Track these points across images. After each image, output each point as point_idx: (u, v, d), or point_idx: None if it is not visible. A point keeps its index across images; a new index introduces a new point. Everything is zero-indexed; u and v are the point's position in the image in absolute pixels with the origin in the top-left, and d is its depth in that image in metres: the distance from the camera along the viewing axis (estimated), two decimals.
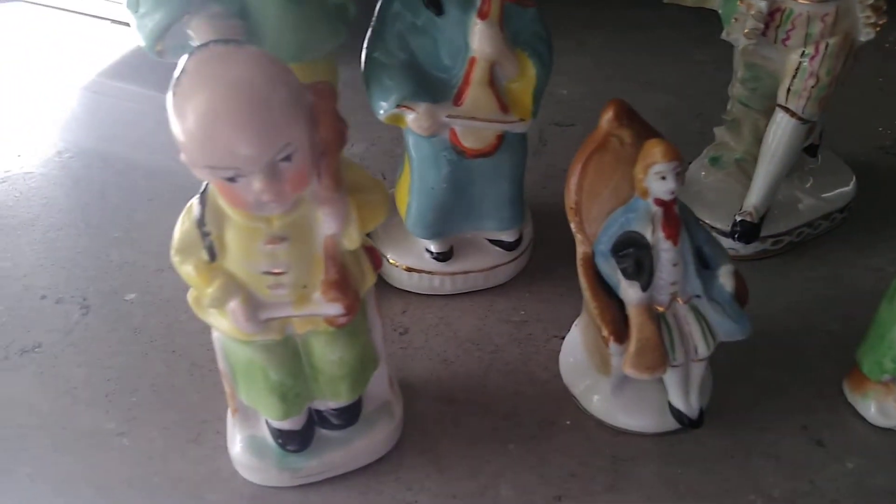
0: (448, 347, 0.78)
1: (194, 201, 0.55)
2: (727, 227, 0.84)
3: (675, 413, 0.69)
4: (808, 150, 0.87)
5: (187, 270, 0.56)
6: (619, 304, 0.65)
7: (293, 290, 0.56)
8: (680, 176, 0.61)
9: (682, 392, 0.68)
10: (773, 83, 0.79)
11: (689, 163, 0.94)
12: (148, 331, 0.79)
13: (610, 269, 0.65)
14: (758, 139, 0.83)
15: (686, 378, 0.67)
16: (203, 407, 0.72)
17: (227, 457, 0.67)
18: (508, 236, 0.81)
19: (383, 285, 0.81)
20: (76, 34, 1.25)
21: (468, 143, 0.73)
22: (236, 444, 0.66)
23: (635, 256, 0.63)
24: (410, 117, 0.71)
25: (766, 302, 0.80)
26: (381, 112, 0.71)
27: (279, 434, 0.64)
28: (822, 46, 0.73)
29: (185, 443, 0.69)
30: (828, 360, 0.76)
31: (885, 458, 0.69)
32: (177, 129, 0.48)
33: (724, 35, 0.76)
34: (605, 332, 0.64)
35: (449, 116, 0.71)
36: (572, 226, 0.67)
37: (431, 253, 0.80)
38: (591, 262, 0.67)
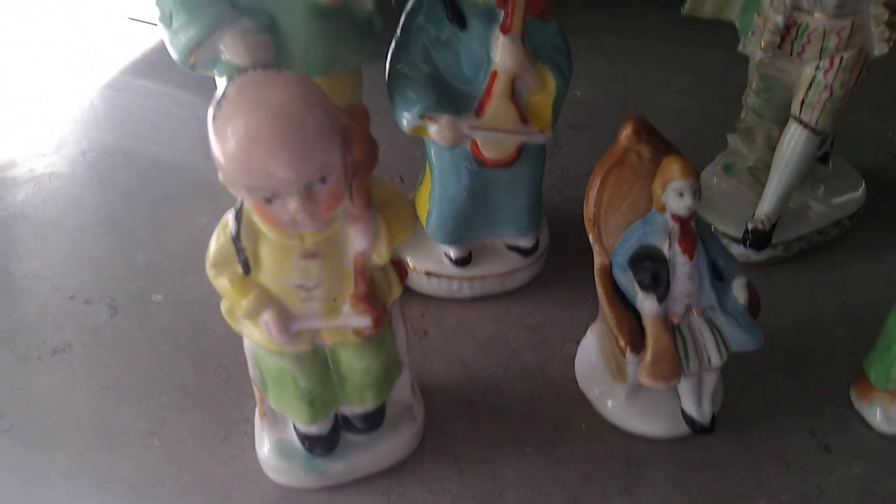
0: (466, 350, 0.80)
1: (230, 217, 0.57)
2: (739, 234, 0.85)
3: (688, 419, 0.71)
4: (819, 157, 0.88)
5: (222, 283, 0.58)
6: (636, 315, 0.67)
7: (324, 303, 0.58)
8: (697, 193, 0.62)
9: (694, 399, 0.70)
10: (786, 94, 0.81)
11: (703, 168, 0.96)
12: (175, 332, 0.81)
13: (627, 281, 0.67)
14: (771, 147, 0.85)
15: (699, 386, 0.70)
16: (230, 407, 0.74)
17: (254, 458, 0.69)
18: (525, 242, 0.83)
19: (403, 289, 0.83)
20: (95, 31, 1.27)
21: (489, 153, 0.75)
22: (264, 447, 0.68)
23: (652, 269, 0.65)
24: (433, 129, 0.72)
25: (777, 307, 0.82)
26: (405, 123, 0.73)
27: (306, 438, 0.66)
28: (836, 60, 0.75)
29: (214, 443, 0.72)
30: (835, 365, 0.78)
31: (890, 463, 0.71)
32: (217, 151, 0.50)
33: (740, 48, 0.78)
34: (622, 343, 0.66)
35: (471, 128, 0.73)
36: (590, 237, 0.69)
37: (450, 258, 0.82)
38: (608, 272, 0.69)
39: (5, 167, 1.00)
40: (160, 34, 0.67)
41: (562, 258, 0.88)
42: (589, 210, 0.69)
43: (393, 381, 0.66)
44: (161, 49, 1.21)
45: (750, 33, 0.76)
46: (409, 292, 0.84)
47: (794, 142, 0.80)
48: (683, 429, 0.72)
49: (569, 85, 0.75)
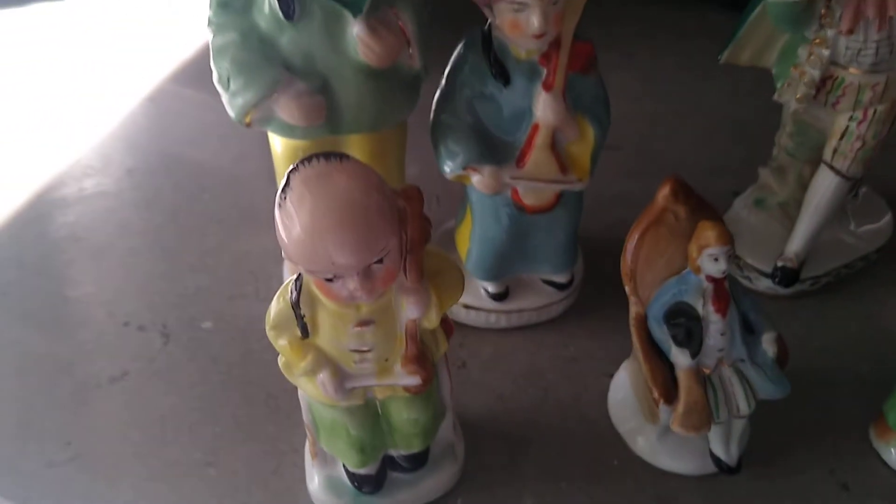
0: (503, 383, 0.84)
1: (291, 285, 0.60)
2: (768, 269, 0.88)
3: (716, 460, 0.74)
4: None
5: (282, 344, 0.62)
6: (669, 366, 0.71)
7: (376, 364, 0.62)
8: (731, 257, 0.65)
9: (723, 442, 0.74)
10: (819, 136, 0.83)
11: (735, 193, 0.99)
12: (225, 360, 0.85)
13: (662, 334, 0.70)
14: (802, 186, 0.87)
15: (728, 431, 0.73)
16: (280, 438, 0.79)
17: (305, 491, 0.74)
18: (561, 278, 0.86)
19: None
20: (132, 38, 1.29)
21: (529, 200, 0.78)
22: (314, 482, 0.73)
23: (686, 326, 0.68)
24: (475, 178, 0.75)
25: (802, 342, 0.85)
26: (448, 171, 0.76)
27: (355, 477, 0.71)
28: (870, 112, 0.77)
29: (267, 474, 0.76)
30: (857, 402, 0.81)
31: None
32: (282, 237, 0.54)
33: (775, 97, 0.80)
34: (656, 394, 0.69)
35: (512, 178, 0.76)
36: (627, 289, 0.73)
37: (489, 292, 0.85)
38: (643, 322, 0.72)
39: (54, 187, 1.03)
40: (219, 93, 0.70)
41: (596, 285, 0.91)
42: (626, 265, 0.72)
43: (438, 427, 0.70)
44: (199, 55, 1.25)
45: (786, 84, 0.78)
46: None
47: (824, 186, 0.82)
48: (711, 467, 0.75)
49: (607, 134, 0.77)
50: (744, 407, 0.70)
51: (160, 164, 1.07)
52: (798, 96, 0.77)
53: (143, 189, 1.03)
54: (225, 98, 0.69)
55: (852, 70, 0.75)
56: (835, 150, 0.80)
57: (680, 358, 0.69)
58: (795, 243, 0.86)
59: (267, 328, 0.62)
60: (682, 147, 1.10)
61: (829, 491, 0.76)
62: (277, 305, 0.61)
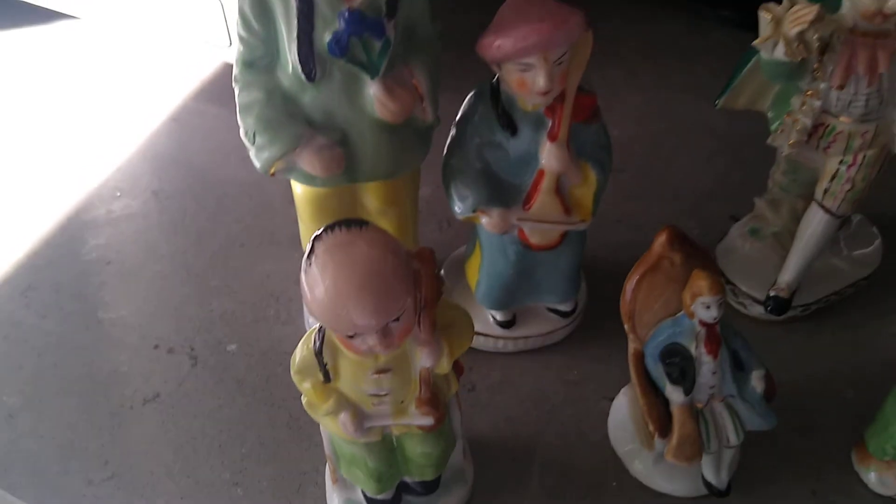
0: (510, 405, 0.89)
1: (314, 334, 0.65)
2: (761, 296, 0.93)
3: (707, 485, 0.80)
4: None
5: (306, 387, 0.67)
6: (664, 400, 0.76)
7: (393, 406, 0.67)
8: (722, 305, 0.70)
9: (714, 468, 0.79)
10: (811, 175, 0.87)
11: (732, 217, 1.03)
12: (250, 383, 0.91)
13: (657, 371, 0.75)
14: (795, 218, 0.91)
15: (719, 458, 0.79)
16: (302, 459, 0.84)
17: None
18: (565, 306, 0.91)
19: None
20: (153, 56, 1.34)
21: (534, 239, 0.83)
22: (335, 503, 0.79)
23: (680, 366, 0.73)
24: (484, 220, 0.80)
25: (791, 366, 0.90)
26: (458, 213, 0.81)
27: (372, 501, 0.76)
28: (860, 157, 0.81)
29: (291, 494, 0.82)
30: (841, 426, 0.86)
31: None
32: (307, 299, 0.59)
33: (769, 141, 0.84)
34: (652, 428, 0.75)
35: (519, 220, 0.80)
36: (626, 327, 0.78)
37: (496, 320, 0.91)
38: (641, 359, 0.77)
39: (85, 209, 1.09)
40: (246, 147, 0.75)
41: (599, 309, 0.95)
42: (625, 305, 0.77)
43: (449, 457, 0.76)
44: (221, 73, 1.29)
45: (780, 130, 0.82)
46: None
47: (814, 223, 0.86)
48: (703, 489, 0.81)
49: (608, 177, 0.81)
50: (733, 438, 0.76)
51: (184, 184, 1.12)
52: (791, 142, 0.81)
53: (168, 211, 1.09)
54: (251, 152, 0.74)
55: (843, 119, 0.79)
56: (825, 191, 0.84)
57: (674, 395, 0.74)
58: (787, 274, 0.90)
59: (292, 372, 0.67)
60: (682, 169, 1.14)
61: None
62: (302, 352, 0.66)
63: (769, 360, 0.76)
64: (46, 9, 1.26)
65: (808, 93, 0.78)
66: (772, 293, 0.91)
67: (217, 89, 1.26)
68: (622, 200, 1.09)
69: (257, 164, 0.74)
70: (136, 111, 1.24)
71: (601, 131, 0.80)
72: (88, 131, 1.21)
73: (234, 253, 1.04)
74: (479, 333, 0.91)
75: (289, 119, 0.72)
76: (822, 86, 0.77)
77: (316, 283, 0.57)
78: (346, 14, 0.67)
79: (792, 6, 0.71)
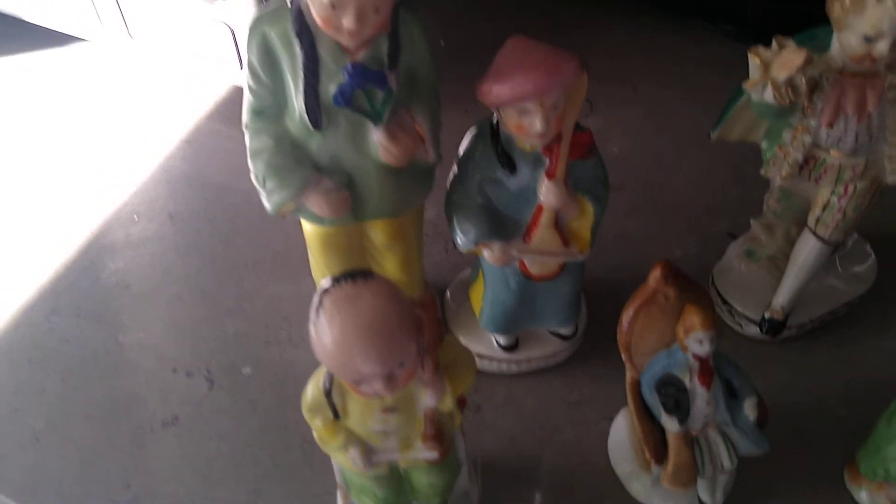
0: (514, 426, 0.93)
1: (324, 376, 0.69)
2: (757, 317, 0.96)
3: None
4: None
5: (317, 424, 0.71)
6: (660, 428, 0.79)
7: (400, 442, 0.71)
8: (714, 339, 0.73)
9: (709, 491, 0.82)
10: (804, 202, 0.89)
11: (730, 234, 1.06)
12: (263, 405, 0.95)
13: (653, 400, 0.79)
14: (789, 242, 0.94)
15: (714, 481, 0.82)
16: (315, 481, 0.88)
17: None
18: (566, 330, 0.94)
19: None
20: (165, 78, 1.37)
21: (534, 270, 0.86)
22: None
23: (675, 396, 0.76)
24: (486, 253, 0.83)
25: (786, 385, 0.94)
26: (461, 246, 0.84)
27: None
28: (850, 188, 0.83)
29: None
30: (834, 444, 0.89)
31: None
32: (316, 348, 0.62)
33: (762, 172, 0.86)
34: (648, 455, 0.78)
35: (519, 252, 0.83)
36: (623, 356, 0.81)
37: (500, 344, 0.94)
38: (638, 387, 0.81)
39: (103, 233, 1.13)
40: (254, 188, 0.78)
41: (599, 330, 0.98)
42: (622, 336, 0.80)
43: (454, 484, 0.79)
44: (233, 95, 1.31)
45: (772, 162, 0.84)
46: None
47: (807, 249, 0.89)
48: None
49: (605, 209, 0.84)
50: (727, 464, 0.79)
51: (199, 206, 1.16)
52: (783, 174, 0.84)
53: (183, 234, 1.12)
54: (262, 195, 0.77)
55: (833, 153, 0.81)
56: (818, 219, 0.86)
57: (669, 424, 0.77)
58: (781, 297, 0.93)
59: (303, 410, 0.71)
60: (681, 185, 1.16)
61: None
62: (312, 392, 0.70)
63: (764, 378, 0.79)
64: (59, 32, 1.29)
65: (799, 129, 0.80)
66: (766, 315, 0.94)
67: (229, 110, 1.29)
68: (622, 216, 1.11)
69: (268, 206, 0.78)
70: (150, 133, 1.27)
71: (598, 165, 0.83)
72: (104, 155, 1.25)
73: (245, 274, 1.07)
74: (483, 356, 0.95)
75: (297, 164, 0.75)
76: (813, 122, 0.79)
77: (324, 333, 0.61)
78: (350, 68, 0.70)
79: (781, 49, 0.74)
